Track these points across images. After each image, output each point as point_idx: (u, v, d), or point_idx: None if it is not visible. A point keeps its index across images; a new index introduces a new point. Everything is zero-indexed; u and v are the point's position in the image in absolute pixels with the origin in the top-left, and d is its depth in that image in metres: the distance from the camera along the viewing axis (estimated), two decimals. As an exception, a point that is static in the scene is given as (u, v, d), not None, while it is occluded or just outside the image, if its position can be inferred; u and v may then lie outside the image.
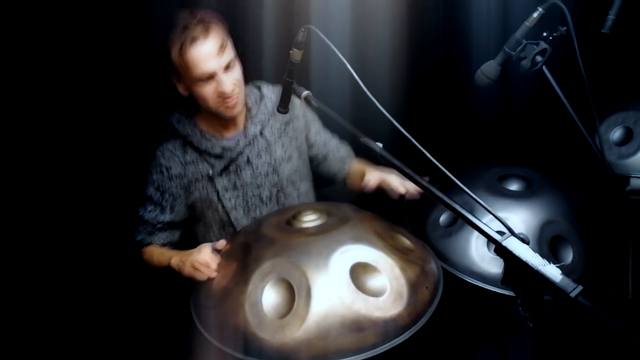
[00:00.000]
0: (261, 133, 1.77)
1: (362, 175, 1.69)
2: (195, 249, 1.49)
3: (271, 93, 1.82)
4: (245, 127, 1.76)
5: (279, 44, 1.96)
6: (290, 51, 1.32)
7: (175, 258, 1.57)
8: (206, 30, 1.55)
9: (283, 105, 1.46)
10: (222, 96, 1.59)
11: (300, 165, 1.84)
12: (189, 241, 1.81)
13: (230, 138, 1.74)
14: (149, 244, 1.75)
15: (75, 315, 1.97)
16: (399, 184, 1.59)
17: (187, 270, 1.46)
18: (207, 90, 1.59)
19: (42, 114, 1.94)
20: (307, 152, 1.88)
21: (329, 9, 2.10)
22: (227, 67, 1.59)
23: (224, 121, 1.72)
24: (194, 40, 1.54)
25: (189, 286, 1.45)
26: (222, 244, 1.46)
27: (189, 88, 1.63)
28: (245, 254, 1.33)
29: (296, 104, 1.82)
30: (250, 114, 1.76)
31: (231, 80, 1.59)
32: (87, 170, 2.05)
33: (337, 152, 1.93)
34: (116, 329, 1.97)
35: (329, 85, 1.93)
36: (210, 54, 1.55)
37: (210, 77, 1.57)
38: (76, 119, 2.00)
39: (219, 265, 1.40)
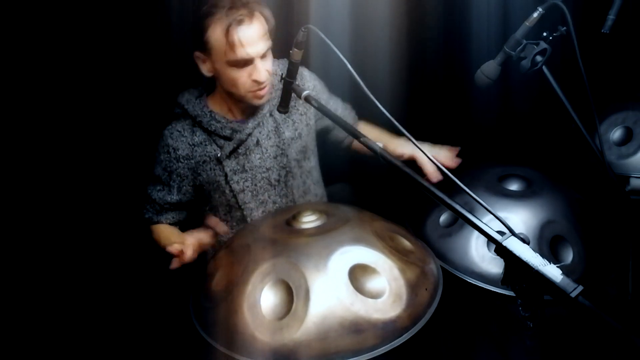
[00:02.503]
0: (270, 113, 1.75)
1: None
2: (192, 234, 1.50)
3: (278, 68, 1.77)
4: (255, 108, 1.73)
5: (278, 44, 1.95)
6: (291, 51, 1.32)
7: (176, 245, 1.55)
8: (252, 14, 1.54)
9: (283, 105, 1.46)
10: (256, 83, 1.58)
11: (308, 142, 1.83)
12: (196, 222, 1.82)
13: (241, 120, 1.73)
14: (157, 222, 1.76)
15: (75, 315, 1.97)
16: (433, 170, 1.62)
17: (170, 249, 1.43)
18: (241, 76, 1.58)
19: (52, 92, 1.94)
20: (314, 126, 1.86)
21: (328, 9, 2.09)
22: (264, 55, 1.58)
23: (243, 105, 1.71)
24: (240, 22, 1.52)
25: (188, 287, 1.44)
26: (224, 229, 1.48)
27: (217, 70, 1.60)
28: (244, 254, 1.33)
29: (305, 76, 1.82)
30: None
31: (265, 69, 1.58)
32: (93, 163, 2.04)
33: (345, 118, 1.89)
34: (116, 330, 1.97)
35: (329, 85, 1.93)
36: (254, 38, 1.53)
37: (247, 62, 1.56)
38: (84, 102, 1.99)
39: (219, 265, 1.39)
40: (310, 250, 1.26)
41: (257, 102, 1.64)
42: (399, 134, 1.14)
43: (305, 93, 1.35)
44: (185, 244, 1.41)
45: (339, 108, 1.93)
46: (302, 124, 1.80)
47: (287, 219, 1.42)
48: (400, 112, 1.25)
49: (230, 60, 1.55)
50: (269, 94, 1.67)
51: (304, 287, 1.18)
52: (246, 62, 1.55)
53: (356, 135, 1.27)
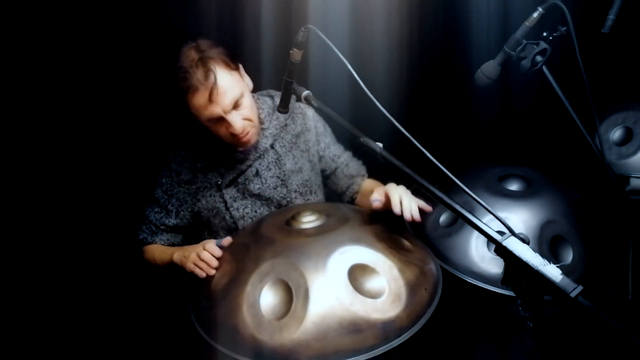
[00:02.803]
0: (272, 146, 1.74)
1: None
2: (199, 244, 1.47)
3: (265, 102, 1.78)
4: (257, 141, 1.72)
5: (278, 44, 1.96)
6: (290, 51, 1.32)
7: (177, 253, 1.55)
8: (206, 76, 1.48)
9: (283, 105, 1.46)
10: (233, 135, 1.57)
11: (312, 177, 1.80)
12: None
13: (242, 151, 1.72)
14: (151, 243, 1.75)
15: (76, 315, 1.97)
16: (397, 203, 1.39)
17: (189, 265, 1.43)
18: (219, 129, 1.58)
19: (56, 113, 1.95)
20: (319, 165, 1.85)
21: (328, 9, 2.10)
22: (235, 106, 1.54)
23: None
24: (195, 89, 1.48)
25: (188, 287, 1.44)
26: (227, 240, 1.44)
27: (203, 124, 1.59)
28: (244, 254, 1.33)
29: (308, 115, 1.82)
30: (263, 127, 1.73)
31: (240, 119, 1.56)
32: (93, 169, 2.05)
33: (345, 168, 1.86)
34: (115, 330, 1.97)
35: (329, 85, 1.93)
36: (211, 100, 1.49)
37: (219, 119, 1.54)
38: (88, 119, 2.00)
39: (219, 265, 1.39)
40: (310, 250, 1.26)
41: (243, 146, 1.64)
42: (399, 133, 1.14)
43: (305, 93, 1.36)
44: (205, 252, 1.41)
45: (343, 156, 1.87)
46: (303, 159, 1.78)
47: (286, 219, 1.42)
48: (400, 112, 1.26)
49: (203, 119, 1.55)
50: (255, 135, 1.65)
51: (304, 287, 1.18)
52: (218, 119, 1.54)
53: (356, 135, 1.27)
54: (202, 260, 1.40)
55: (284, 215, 1.45)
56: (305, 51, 1.32)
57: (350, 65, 1.20)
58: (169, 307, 1.79)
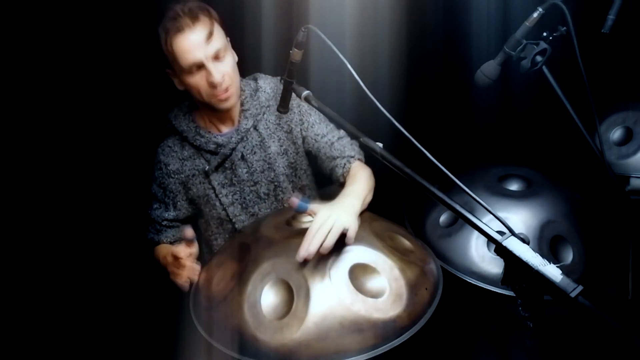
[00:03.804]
0: (255, 127, 1.74)
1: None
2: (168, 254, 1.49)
3: (267, 85, 1.79)
4: (238, 122, 1.74)
5: (278, 44, 1.96)
6: (290, 51, 1.32)
7: (167, 260, 1.58)
8: (193, 21, 1.54)
9: (283, 105, 1.46)
10: (213, 86, 1.58)
11: (298, 160, 1.80)
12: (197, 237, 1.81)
13: (225, 134, 1.74)
14: (158, 242, 1.77)
15: (76, 315, 1.97)
16: (310, 233, 1.24)
17: (171, 275, 1.46)
18: (198, 81, 1.58)
19: (52, 113, 1.95)
20: (302, 146, 1.82)
21: (328, 9, 2.09)
22: (216, 57, 1.57)
23: (219, 115, 1.72)
24: (180, 29, 1.53)
25: (188, 287, 1.44)
26: (188, 232, 1.40)
27: (182, 81, 1.62)
28: (244, 254, 1.33)
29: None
30: (244, 108, 1.74)
31: (220, 70, 1.58)
32: (94, 170, 2.05)
33: (328, 149, 1.76)
34: (116, 330, 1.97)
35: (329, 85, 1.93)
36: (196, 43, 1.53)
37: (199, 66, 1.56)
38: (82, 120, 2.00)
39: (219, 265, 1.39)
40: (311, 250, 1.25)
41: (222, 105, 1.63)
42: (399, 133, 1.14)
43: (305, 93, 1.36)
44: (185, 272, 1.42)
45: (328, 136, 1.79)
46: (288, 142, 1.78)
47: (287, 219, 1.42)
48: (400, 112, 1.25)
49: (182, 68, 1.57)
50: (235, 96, 1.65)
51: (304, 287, 1.18)
52: (198, 67, 1.56)
53: (357, 135, 1.27)
54: (172, 272, 1.43)
55: (284, 215, 1.45)
56: (306, 51, 1.32)
57: (351, 65, 1.20)
58: (169, 307, 1.79)
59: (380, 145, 1.23)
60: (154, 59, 1.66)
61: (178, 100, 1.83)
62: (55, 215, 1.99)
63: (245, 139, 1.73)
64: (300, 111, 1.78)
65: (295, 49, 1.30)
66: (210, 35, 1.55)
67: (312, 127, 1.78)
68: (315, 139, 1.78)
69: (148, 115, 2.02)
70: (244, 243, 1.39)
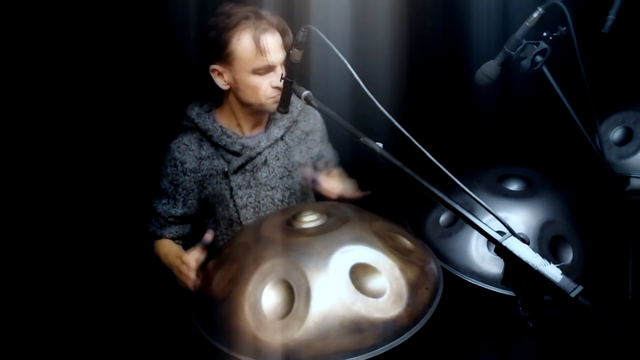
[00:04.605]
0: (282, 137, 1.79)
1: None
2: (180, 256, 1.51)
3: (297, 100, 1.82)
4: (267, 129, 1.78)
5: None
6: (291, 51, 1.32)
7: (166, 260, 1.63)
8: (273, 24, 1.62)
9: (283, 105, 1.46)
10: (275, 90, 1.63)
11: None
12: (200, 235, 1.81)
13: (251, 137, 1.76)
14: (160, 236, 1.77)
15: (77, 315, 1.97)
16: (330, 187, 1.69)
17: (176, 274, 1.51)
18: (262, 83, 1.63)
19: (60, 100, 1.95)
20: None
21: (328, 9, 2.09)
22: (281, 65, 1.64)
23: (257, 118, 1.75)
24: (266, 30, 1.59)
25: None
26: (210, 235, 1.45)
27: (238, 80, 1.64)
28: (244, 254, 1.33)
29: (318, 117, 1.89)
30: (275, 117, 1.79)
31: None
32: (94, 170, 2.05)
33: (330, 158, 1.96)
34: (117, 330, 1.97)
35: (329, 85, 1.93)
36: (277, 46, 1.62)
37: (270, 69, 1.61)
38: (90, 112, 2.00)
39: (219, 265, 1.39)
40: (311, 250, 1.26)
41: (273, 108, 1.66)
42: (399, 133, 1.14)
43: (305, 93, 1.36)
44: (189, 273, 1.43)
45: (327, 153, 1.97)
46: (307, 156, 1.85)
47: (287, 219, 1.42)
48: (400, 112, 1.26)
49: (257, 67, 1.60)
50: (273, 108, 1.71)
51: (305, 287, 1.19)
52: (269, 69, 1.62)
53: (357, 135, 1.27)
54: (183, 274, 1.44)
55: (284, 215, 1.45)
56: (306, 51, 1.32)
57: (351, 65, 1.20)
58: (170, 307, 1.79)
59: (380, 145, 1.23)
60: (155, 58, 1.66)
61: (178, 99, 1.83)
62: (55, 213, 1.99)
63: (272, 145, 1.77)
64: (321, 135, 1.90)
65: (295, 49, 1.31)
66: (285, 41, 1.63)
67: (325, 150, 1.93)
68: (318, 159, 1.91)
69: (149, 112, 2.03)
70: (244, 243, 1.39)
